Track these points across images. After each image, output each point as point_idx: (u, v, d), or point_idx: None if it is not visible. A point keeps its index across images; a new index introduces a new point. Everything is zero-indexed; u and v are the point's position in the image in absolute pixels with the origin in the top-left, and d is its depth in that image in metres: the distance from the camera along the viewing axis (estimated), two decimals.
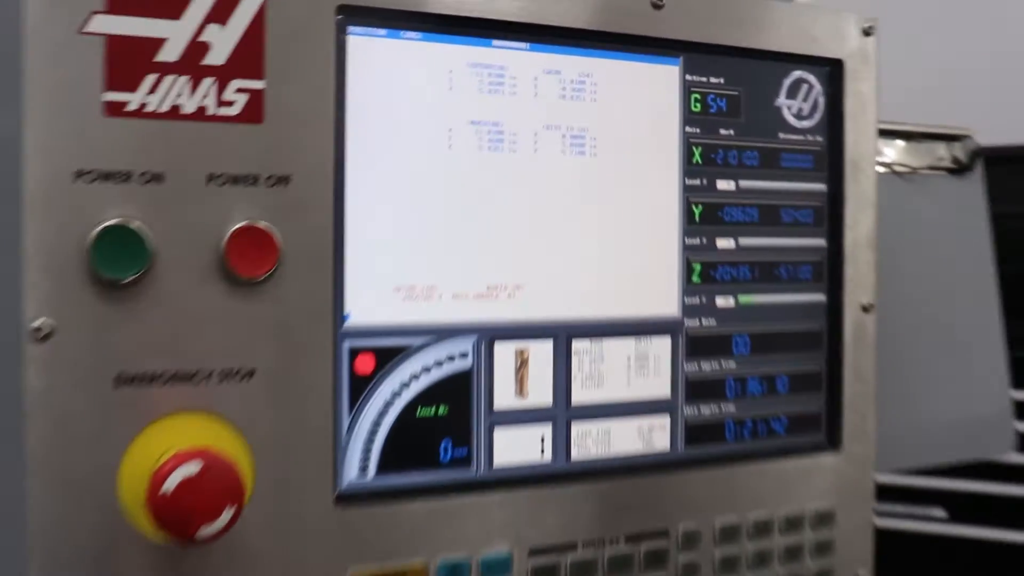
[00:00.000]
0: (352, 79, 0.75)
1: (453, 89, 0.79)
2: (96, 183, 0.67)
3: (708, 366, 0.89)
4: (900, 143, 1.19)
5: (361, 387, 0.76)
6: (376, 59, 0.76)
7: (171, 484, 0.64)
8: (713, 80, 0.89)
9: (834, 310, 0.94)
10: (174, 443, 0.67)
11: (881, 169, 1.14)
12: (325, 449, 0.74)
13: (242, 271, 0.70)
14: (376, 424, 0.77)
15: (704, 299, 0.89)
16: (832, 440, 0.94)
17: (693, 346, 0.88)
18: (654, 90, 0.86)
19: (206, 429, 0.69)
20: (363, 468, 0.76)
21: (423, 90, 0.78)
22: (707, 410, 0.89)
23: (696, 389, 0.88)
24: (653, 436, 0.86)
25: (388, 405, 0.77)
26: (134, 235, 0.67)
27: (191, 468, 0.64)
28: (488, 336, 0.80)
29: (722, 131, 0.89)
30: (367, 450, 0.76)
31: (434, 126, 0.78)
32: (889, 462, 1.07)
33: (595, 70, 0.84)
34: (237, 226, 0.70)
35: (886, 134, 1.15)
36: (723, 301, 0.89)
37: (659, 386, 0.87)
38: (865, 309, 0.95)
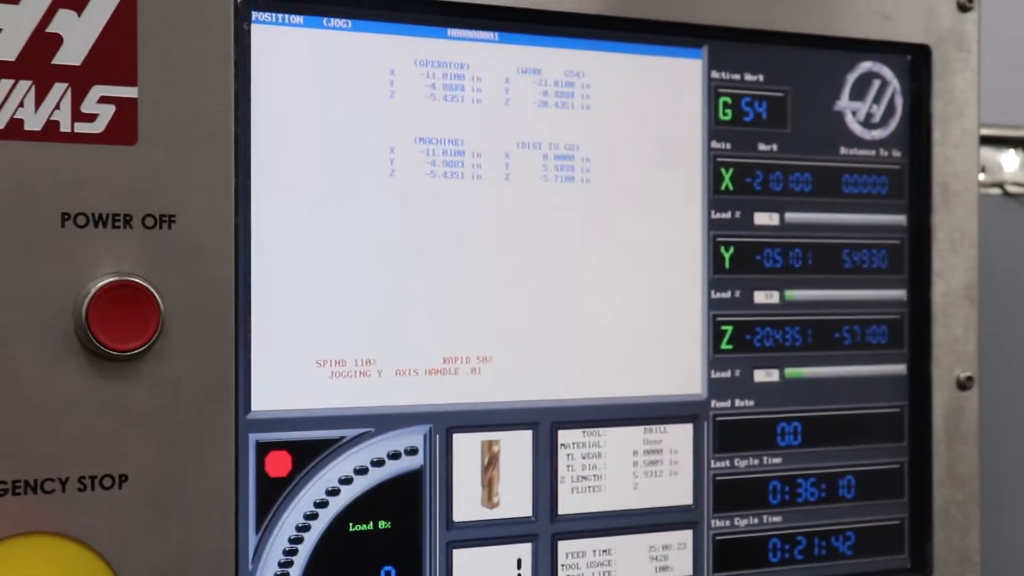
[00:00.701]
0: (259, 84, 0.76)
1: (396, 95, 0.80)
2: None
3: (744, 463, 0.89)
4: (1016, 154, 1.19)
5: (273, 495, 0.77)
6: (291, 56, 0.77)
7: None
8: (749, 77, 0.90)
9: (919, 386, 0.95)
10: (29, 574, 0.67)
11: (988, 191, 1.14)
12: None
13: (110, 343, 0.70)
14: (294, 544, 0.77)
15: (738, 372, 0.89)
16: (919, 563, 0.94)
17: (723, 436, 0.89)
18: (668, 92, 0.87)
19: (59, 557, 0.69)
20: None
21: (355, 97, 0.79)
22: (744, 522, 0.89)
23: (728, 494, 0.89)
24: (670, 558, 0.87)
25: (310, 519, 0.78)
26: None
27: None
28: (445, 425, 0.81)
29: (762, 146, 0.90)
30: None
31: (370, 145, 0.79)
32: None
33: (587, 67, 0.85)
34: (103, 282, 0.70)
35: (994, 142, 1.16)
36: (764, 375, 0.90)
37: (677, 490, 0.87)
38: (963, 385, 0.95)
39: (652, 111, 0.86)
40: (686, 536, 0.87)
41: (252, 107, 0.75)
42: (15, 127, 0.69)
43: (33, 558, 0.68)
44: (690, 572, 0.88)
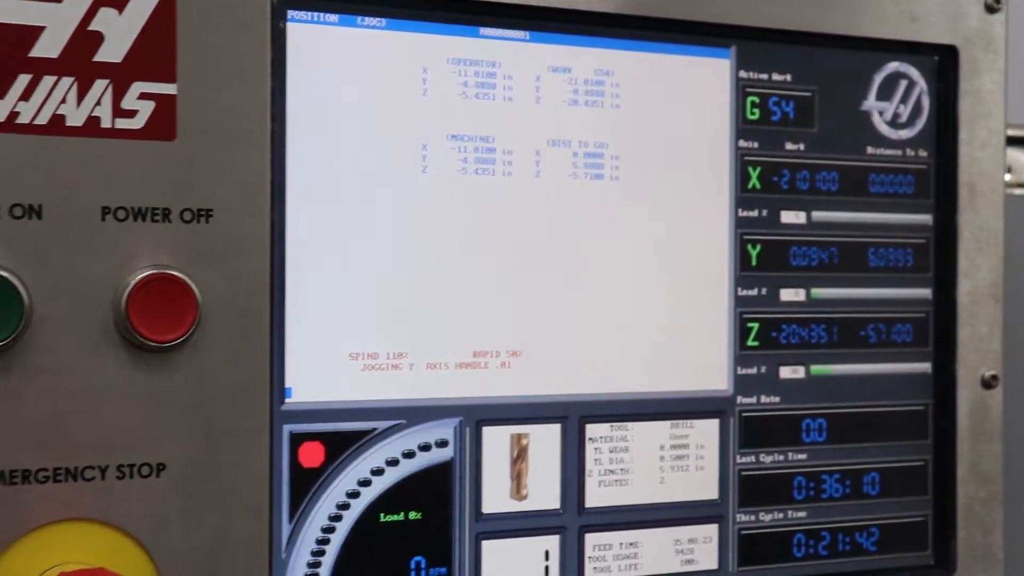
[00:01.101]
0: (294, 81, 0.78)
1: (429, 93, 0.82)
2: None
3: (770, 458, 0.91)
4: None
5: (306, 485, 0.79)
6: (326, 54, 0.79)
7: None
8: (776, 77, 0.91)
9: (944, 384, 0.96)
10: (57, 561, 0.69)
11: (1014, 191, 1.15)
12: (258, 567, 0.76)
13: (149, 334, 0.72)
14: (326, 534, 0.79)
15: (764, 369, 0.91)
16: (943, 560, 0.96)
17: (749, 431, 0.91)
18: (696, 92, 0.89)
19: (99, 544, 0.71)
20: None
21: (388, 95, 0.81)
22: (769, 517, 0.91)
23: (753, 489, 0.91)
24: (696, 551, 0.89)
25: (342, 509, 0.80)
26: (2, 287, 0.68)
27: None
28: (475, 418, 0.83)
29: (789, 145, 0.92)
30: (314, 568, 0.79)
31: (403, 142, 0.81)
32: None
33: (617, 66, 0.86)
34: (142, 275, 0.72)
35: (1020, 143, 1.16)
36: (790, 372, 0.92)
37: (703, 485, 0.89)
38: (987, 384, 0.96)
39: (680, 110, 0.88)
40: (711, 530, 0.89)
41: (288, 104, 0.77)
42: (57, 123, 0.71)
43: (74, 544, 0.70)
44: (715, 566, 0.89)
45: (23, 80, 0.70)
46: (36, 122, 0.70)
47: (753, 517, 0.91)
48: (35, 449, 0.70)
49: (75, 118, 0.71)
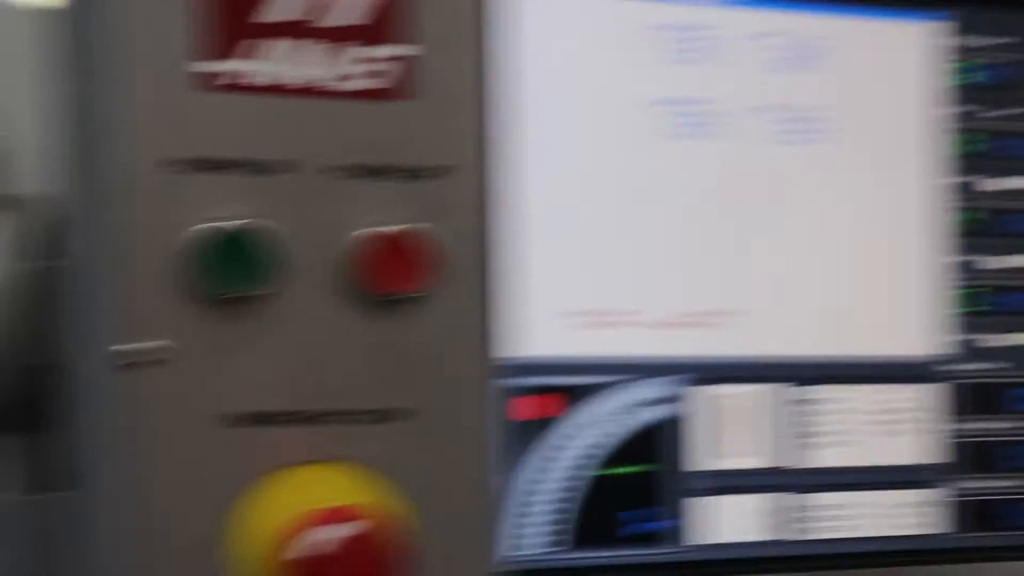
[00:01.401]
0: (520, 46, 0.81)
1: (637, 58, 0.84)
2: (207, 174, 0.72)
3: (982, 425, 0.93)
4: None
5: (529, 437, 0.82)
6: (546, 19, 0.82)
7: (320, 545, 0.68)
8: (992, 42, 0.93)
9: None
10: (307, 500, 0.71)
11: None
12: (482, 514, 0.78)
13: (380, 288, 0.74)
14: (541, 485, 0.82)
15: (976, 335, 0.93)
16: None
17: (962, 398, 0.92)
18: (909, 57, 0.91)
19: (347, 484, 0.74)
20: (528, 540, 0.82)
21: (601, 59, 0.84)
22: (981, 485, 0.93)
23: (967, 456, 0.92)
24: (906, 516, 0.91)
25: (558, 462, 0.83)
26: (258, 240, 0.72)
27: (346, 530, 0.69)
28: (693, 376, 0.86)
29: (1003, 111, 0.93)
30: (530, 519, 0.83)
31: (617, 105, 0.84)
32: None
33: (828, 31, 0.88)
34: (380, 230, 0.74)
35: None
36: (1003, 339, 0.93)
37: (915, 450, 0.91)
38: None
39: (893, 75, 0.90)
40: (922, 495, 0.91)
41: (508, 67, 0.80)
42: (310, 84, 0.74)
43: (322, 484, 0.73)
44: (925, 531, 0.91)
45: (275, 43, 0.73)
46: (293, 84, 0.73)
47: (966, 484, 0.92)
48: (285, 393, 0.74)
49: (319, 80, 0.74)
